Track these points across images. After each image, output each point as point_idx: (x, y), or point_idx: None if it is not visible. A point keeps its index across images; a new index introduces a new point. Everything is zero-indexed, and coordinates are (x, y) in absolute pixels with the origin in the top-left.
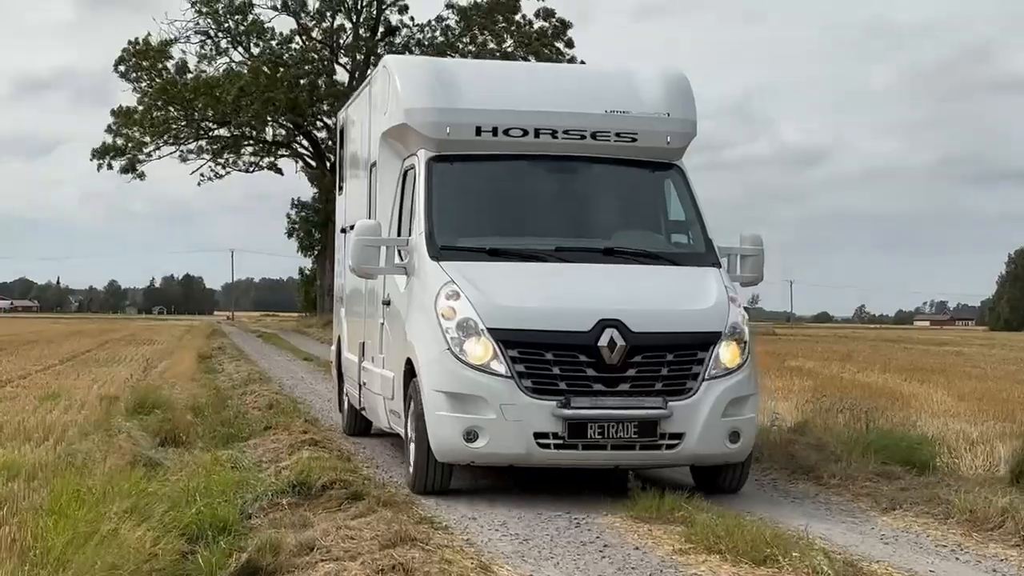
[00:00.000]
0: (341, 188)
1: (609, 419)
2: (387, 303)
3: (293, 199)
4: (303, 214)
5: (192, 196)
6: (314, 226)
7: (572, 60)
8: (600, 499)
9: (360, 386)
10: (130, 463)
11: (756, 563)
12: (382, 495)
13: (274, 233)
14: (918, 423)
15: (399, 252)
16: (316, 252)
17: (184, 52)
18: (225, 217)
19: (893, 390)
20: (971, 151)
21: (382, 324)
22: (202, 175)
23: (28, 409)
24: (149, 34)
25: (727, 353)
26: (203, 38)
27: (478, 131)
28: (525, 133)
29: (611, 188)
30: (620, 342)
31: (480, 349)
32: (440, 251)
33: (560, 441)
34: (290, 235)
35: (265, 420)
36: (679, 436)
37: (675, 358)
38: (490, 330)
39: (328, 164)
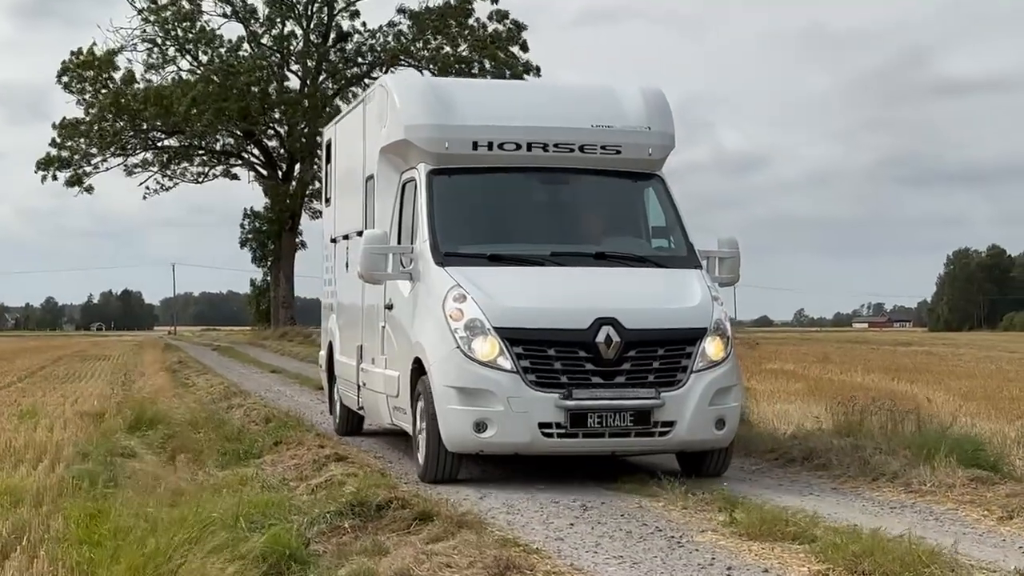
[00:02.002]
0: (328, 200)
1: (607, 409)
2: (389, 307)
3: (245, 209)
4: (255, 224)
5: (129, 211)
6: (268, 237)
7: (527, 64)
8: (685, 511)
9: (359, 387)
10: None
11: None
12: (453, 515)
13: (213, 247)
14: (953, 425)
15: (402, 259)
16: (270, 263)
17: (130, 61)
18: (163, 232)
19: (890, 391)
20: (908, 154)
21: (383, 327)
22: (148, 188)
23: (9, 428)
24: (94, 43)
25: (712, 347)
26: (150, 47)
27: (475, 146)
28: (518, 147)
29: (599, 197)
30: (616, 338)
31: (487, 347)
32: (444, 257)
33: (563, 430)
34: (243, 245)
35: (271, 435)
36: (671, 424)
37: (666, 352)
38: (496, 329)
39: (280, 172)
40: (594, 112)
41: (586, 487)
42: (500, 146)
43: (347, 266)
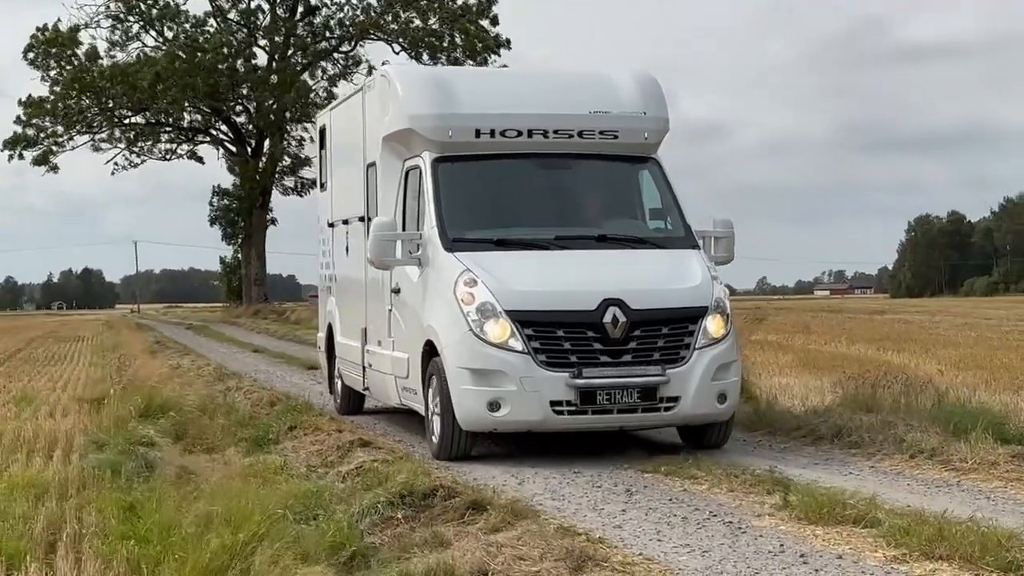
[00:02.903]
0: (324, 186)
1: (615, 387)
2: (396, 291)
3: (214, 187)
4: (225, 202)
5: (87, 190)
6: (238, 214)
7: (497, 38)
8: (732, 493)
9: (364, 368)
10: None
11: (1006, 571)
12: (507, 503)
13: (173, 224)
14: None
15: (410, 245)
16: (240, 240)
17: (94, 38)
18: (122, 210)
19: (883, 361)
20: (867, 121)
21: (390, 311)
22: (116, 164)
23: (9, 416)
24: (59, 20)
25: (713, 325)
26: (114, 23)
27: (477, 133)
28: (519, 134)
29: (598, 180)
30: (622, 318)
31: (499, 329)
32: (453, 243)
33: (573, 408)
34: (212, 223)
35: (283, 420)
36: (675, 399)
37: (670, 331)
38: (507, 312)
39: (249, 149)
40: (591, 98)
41: (622, 470)
42: (502, 133)
43: (347, 250)
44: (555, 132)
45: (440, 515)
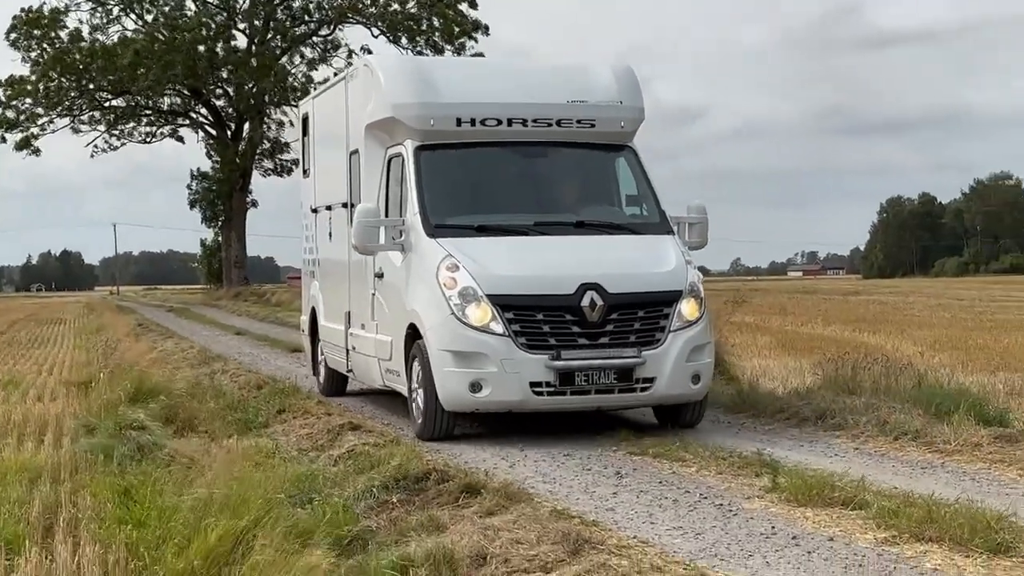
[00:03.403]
0: (307, 172)
1: (593, 368)
2: (380, 276)
3: (193, 170)
4: (204, 185)
5: (67, 172)
6: (217, 196)
7: (476, 22)
8: (720, 476)
9: (348, 350)
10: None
11: (995, 552)
12: (500, 486)
13: (151, 206)
14: (948, 379)
15: (393, 231)
16: (220, 222)
17: (79, 21)
18: (100, 192)
19: (860, 343)
20: (840, 106)
21: (373, 295)
22: (96, 147)
23: None
24: (43, 3)
25: (687, 308)
26: (94, 5)
27: (458, 122)
28: (499, 122)
29: (576, 168)
30: (599, 302)
31: (480, 313)
32: (435, 229)
33: (552, 388)
34: (192, 206)
35: (271, 403)
36: (651, 380)
37: (646, 314)
38: (488, 296)
39: (229, 132)
40: (569, 88)
41: (611, 452)
42: (482, 122)
43: (330, 236)
44: (534, 121)
45: (435, 499)
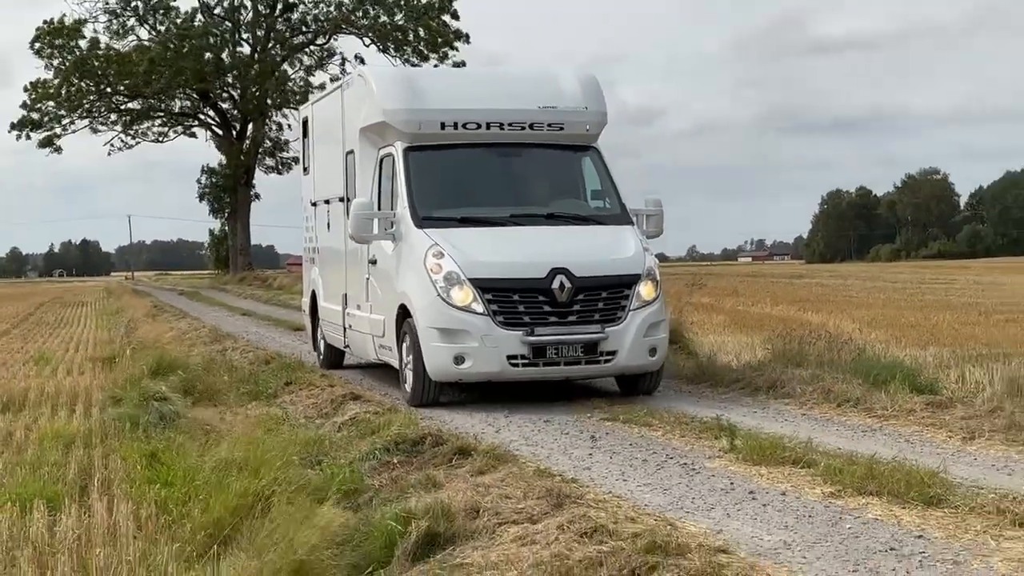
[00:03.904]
0: (307, 169)
1: (562, 343)
2: (373, 262)
3: (203, 166)
4: (212, 179)
5: (85, 168)
6: (224, 190)
7: (457, 32)
8: (684, 439)
9: (345, 328)
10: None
11: (928, 504)
12: (488, 449)
13: (162, 198)
14: (884, 353)
15: (385, 223)
16: (227, 214)
17: (96, 31)
18: (116, 186)
19: (805, 321)
20: (786, 107)
21: (367, 279)
22: (112, 146)
23: (30, 375)
24: (64, 15)
25: (645, 290)
26: (111, 17)
27: (443, 126)
28: (479, 126)
29: (546, 166)
30: (568, 284)
31: (463, 295)
32: (422, 221)
33: (526, 361)
34: (201, 199)
35: (279, 376)
36: (613, 353)
37: (608, 295)
38: (470, 280)
39: (234, 132)
40: (540, 95)
41: (586, 419)
42: (464, 125)
43: (328, 226)
44: (509, 124)
45: (430, 460)
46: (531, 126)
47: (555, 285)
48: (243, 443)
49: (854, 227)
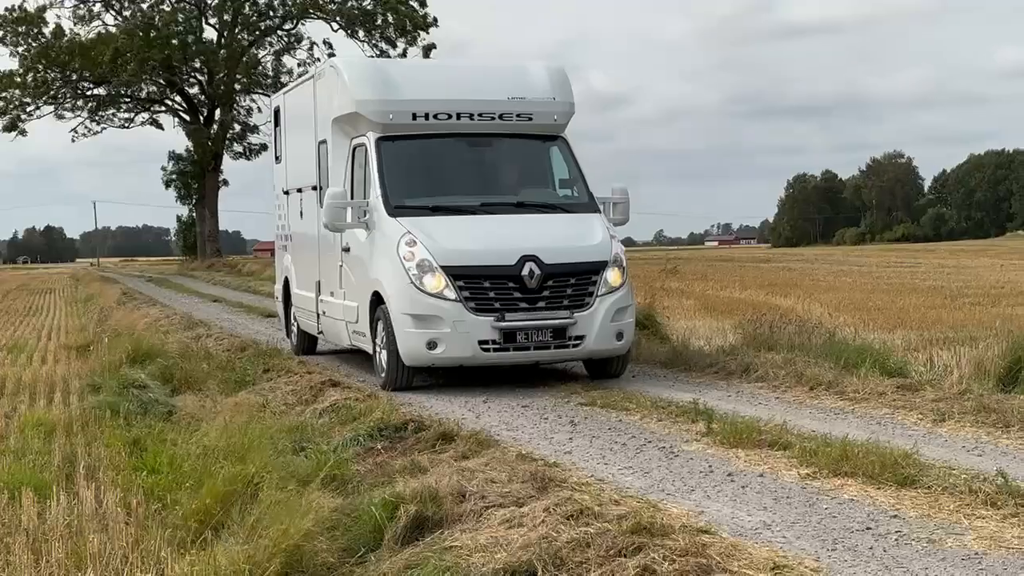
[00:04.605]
0: (278, 158)
1: (532, 328)
2: (346, 250)
3: (170, 152)
4: (180, 166)
5: (48, 153)
6: (191, 177)
7: (425, 17)
8: (661, 423)
9: (318, 315)
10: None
11: (902, 485)
12: (470, 434)
13: (126, 184)
14: (854, 336)
15: (359, 212)
16: (194, 200)
17: (59, 16)
18: (79, 171)
19: (774, 305)
20: (753, 91)
21: (341, 266)
22: (77, 132)
23: (5, 363)
24: (25, 1)
25: (612, 276)
26: (76, 2)
27: (414, 116)
28: (449, 116)
29: (516, 156)
30: (537, 271)
31: (435, 281)
32: (395, 209)
33: (497, 345)
34: (168, 186)
35: (257, 363)
36: (581, 338)
37: (576, 281)
38: (442, 267)
39: (201, 118)
40: (510, 86)
41: (564, 404)
42: (435, 116)
43: (301, 214)
44: (479, 115)
45: (414, 446)
46: (501, 116)
47: (525, 272)
48: (228, 430)
49: (819, 211)
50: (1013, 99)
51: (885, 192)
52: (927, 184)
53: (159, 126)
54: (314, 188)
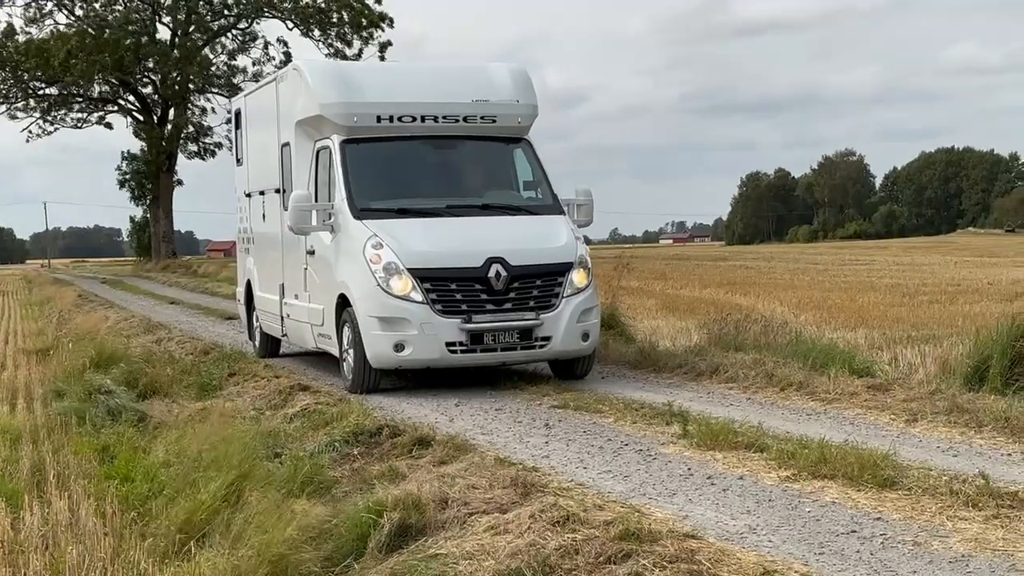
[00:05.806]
0: (240, 161)
1: (499, 329)
2: (311, 252)
3: (123, 152)
4: (134, 166)
5: None
6: (145, 177)
7: (381, 14)
8: (635, 425)
9: (282, 318)
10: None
11: (883, 487)
12: (446, 439)
13: (77, 184)
14: (819, 336)
15: (324, 214)
16: (148, 201)
17: (11, 15)
18: (28, 170)
19: (733, 303)
20: (708, 89)
21: (306, 269)
22: (30, 132)
23: None
24: None
25: (577, 277)
26: (28, 1)
27: (378, 119)
28: (414, 119)
29: (480, 158)
30: (503, 273)
31: (402, 284)
32: (361, 212)
33: (465, 347)
34: (121, 186)
35: (221, 367)
36: (548, 339)
37: (542, 283)
38: (409, 270)
39: (155, 117)
40: (474, 89)
41: (536, 406)
42: (399, 119)
43: (264, 217)
44: (444, 117)
45: (390, 451)
46: (465, 119)
47: (491, 274)
48: (201, 437)
49: (772, 209)
50: (964, 95)
51: (837, 190)
52: (878, 182)
53: (109, 127)
54: (277, 191)
